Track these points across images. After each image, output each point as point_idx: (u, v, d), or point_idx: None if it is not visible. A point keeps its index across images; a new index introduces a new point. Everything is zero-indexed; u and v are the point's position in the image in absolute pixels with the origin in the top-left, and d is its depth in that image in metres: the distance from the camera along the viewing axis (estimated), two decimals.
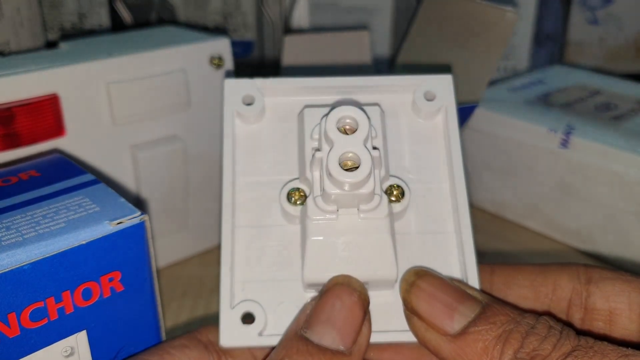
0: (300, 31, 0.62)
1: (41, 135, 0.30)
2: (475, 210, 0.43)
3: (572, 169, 0.37)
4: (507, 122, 0.40)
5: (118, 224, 0.22)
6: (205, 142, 0.36)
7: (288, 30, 0.62)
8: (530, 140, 0.39)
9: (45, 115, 0.29)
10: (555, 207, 0.39)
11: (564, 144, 0.37)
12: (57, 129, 0.30)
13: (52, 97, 0.30)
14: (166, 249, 0.37)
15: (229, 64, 0.36)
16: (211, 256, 0.38)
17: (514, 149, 0.40)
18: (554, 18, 0.63)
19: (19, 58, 0.31)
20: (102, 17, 0.62)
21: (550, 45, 0.64)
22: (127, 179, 0.34)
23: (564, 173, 0.38)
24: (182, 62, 0.34)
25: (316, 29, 0.62)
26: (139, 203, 0.34)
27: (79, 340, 0.22)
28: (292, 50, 0.40)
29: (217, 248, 0.39)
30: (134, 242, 0.22)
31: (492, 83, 0.46)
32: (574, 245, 0.39)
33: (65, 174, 0.25)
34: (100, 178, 0.25)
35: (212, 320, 0.32)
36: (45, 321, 0.21)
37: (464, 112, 0.36)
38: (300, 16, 0.63)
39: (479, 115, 0.41)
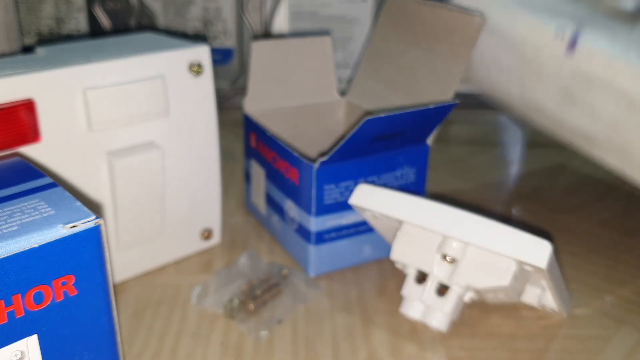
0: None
1: (16, 141, 0.29)
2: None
3: (576, 76, 0.37)
4: (516, 17, 0.39)
5: (72, 227, 0.21)
6: (183, 149, 0.36)
7: (268, 38, 0.62)
8: (537, 40, 0.38)
9: (20, 120, 0.29)
10: (560, 110, 0.39)
11: (572, 46, 0.37)
12: (33, 135, 0.30)
13: (27, 103, 0.29)
14: (142, 256, 0.37)
15: (208, 71, 0.36)
16: (187, 264, 0.38)
17: (520, 47, 0.39)
18: None
19: None
20: (80, 22, 0.62)
21: None
22: (103, 186, 0.33)
23: (568, 74, 0.37)
24: (161, 69, 0.34)
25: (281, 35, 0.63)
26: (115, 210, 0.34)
27: (30, 345, 0.21)
28: (259, 56, 0.41)
29: (193, 256, 0.39)
30: (88, 246, 0.22)
31: None
32: (580, 145, 0.38)
33: (23, 177, 0.25)
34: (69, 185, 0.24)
35: (187, 329, 0.32)
36: None
37: (441, 111, 0.36)
38: (281, 24, 0.63)
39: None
